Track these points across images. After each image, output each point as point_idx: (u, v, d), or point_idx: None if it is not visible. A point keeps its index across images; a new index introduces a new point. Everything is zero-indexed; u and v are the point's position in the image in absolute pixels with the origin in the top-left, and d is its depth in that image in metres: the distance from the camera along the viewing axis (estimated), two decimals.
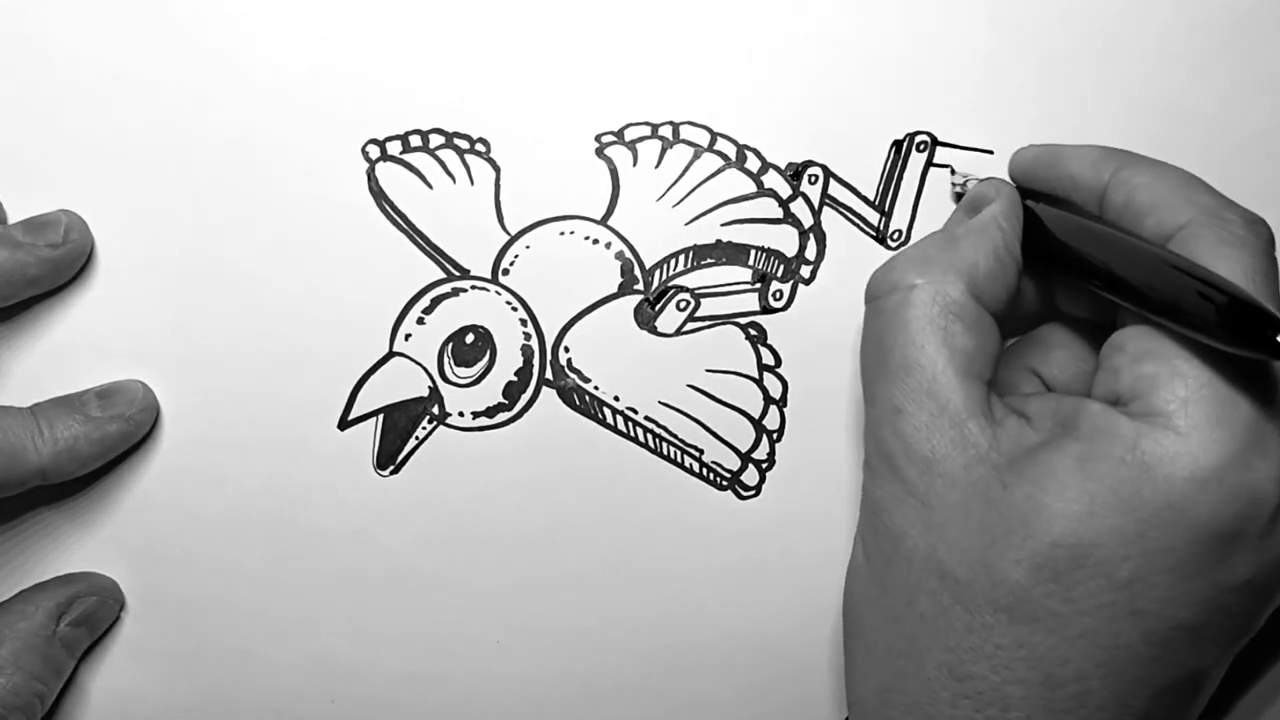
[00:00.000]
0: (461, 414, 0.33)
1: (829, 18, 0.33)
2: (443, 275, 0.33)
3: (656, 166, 0.33)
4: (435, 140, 0.33)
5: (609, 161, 0.33)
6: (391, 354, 0.32)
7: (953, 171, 0.33)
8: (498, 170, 0.33)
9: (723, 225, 0.33)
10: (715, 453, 0.33)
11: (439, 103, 0.33)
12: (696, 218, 0.33)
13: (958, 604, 0.24)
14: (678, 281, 0.33)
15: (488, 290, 0.33)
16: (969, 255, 0.27)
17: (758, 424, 0.33)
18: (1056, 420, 0.26)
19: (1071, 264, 0.28)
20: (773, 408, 0.33)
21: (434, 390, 0.33)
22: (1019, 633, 0.24)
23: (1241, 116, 0.33)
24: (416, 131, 0.33)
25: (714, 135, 0.33)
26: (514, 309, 0.33)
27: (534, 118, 0.33)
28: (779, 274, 0.33)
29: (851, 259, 0.33)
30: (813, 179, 0.33)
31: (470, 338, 0.33)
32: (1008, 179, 0.32)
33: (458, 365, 0.33)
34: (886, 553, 0.26)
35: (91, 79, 0.32)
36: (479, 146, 0.33)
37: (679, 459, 0.33)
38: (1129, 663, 0.23)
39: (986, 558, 0.24)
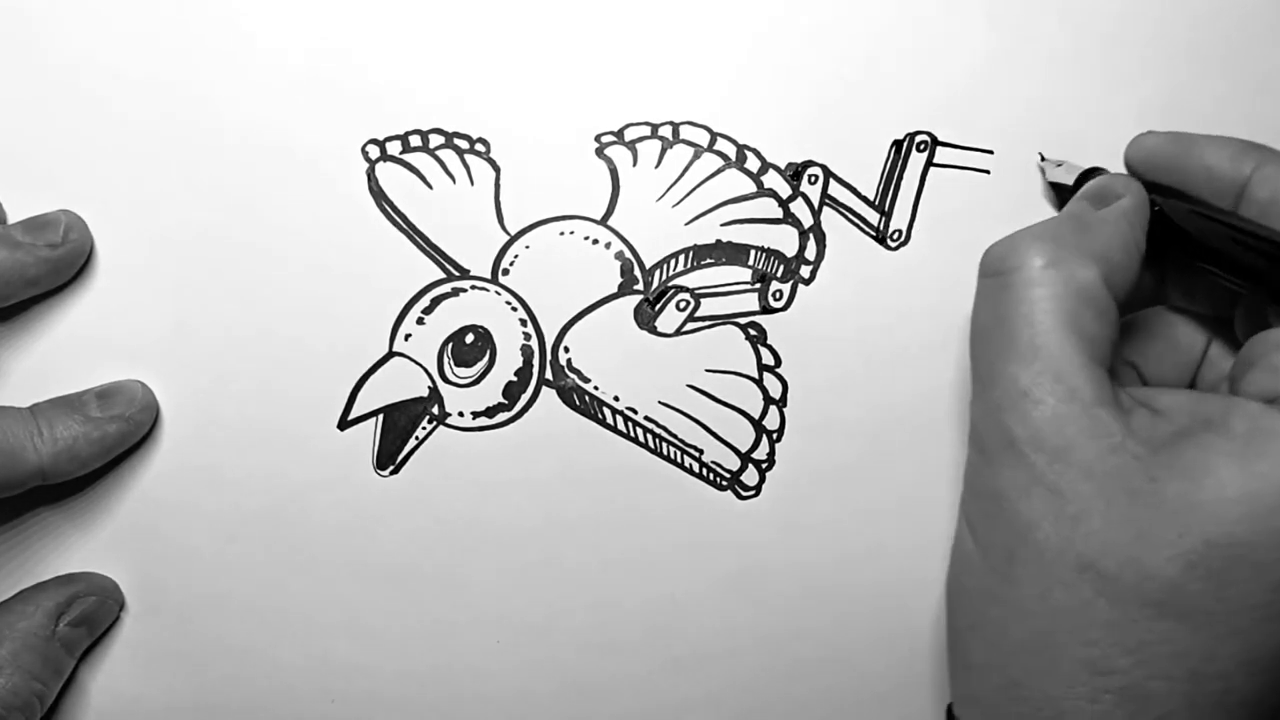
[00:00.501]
0: (461, 414, 0.33)
1: (829, 18, 0.33)
2: (443, 275, 0.33)
3: (656, 166, 0.33)
4: (435, 140, 0.33)
5: (609, 161, 0.33)
6: (391, 354, 0.32)
7: (1042, 157, 0.33)
8: (498, 170, 0.33)
9: (723, 225, 0.33)
10: (715, 453, 0.33)
11: (439, 103, 0.33)
12: (696, 218, 0.33)
13: (1101, 597, 0.24)
14: (678, 281, 0.33)
15: (488, 290, 0.33)
16: (1103, 243, 0.26)
17: (758, 424, 0.33)
18: (1196, 417, 0.25)
19: (1203, 259, 0.27)
20: (773, 408, 0.33)
21: (434, 390, 0.33)
22: (1167, 628, 0.23)
23: (1241, 115, 0.33)
24: (416, 131, 0.33)
25: (714, 135, 0.33)
26: (514, 309, 0.33)
27: (534, 118, 0.33)
28: (779, 274, 0.33)
29: (851, 259, 0.33)
30: (813, 179, 0.33)
31: (470, 338, 0.33)
32: (1123, 169, 0.31)
33: (458, 365, 0.33)
34: (1010, 544, 0.25)
35: (91, 79, 0.32)
36: (479, 146, 0.33)
37: (679, 459, 0.33)
38: (1272, 661, 0.23)
39: (1135, 551, 0.23)
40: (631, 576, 0.33)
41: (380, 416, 0.32)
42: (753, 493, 0.33)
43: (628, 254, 0.33)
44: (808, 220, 0.33)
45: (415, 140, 0.33)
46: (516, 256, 0.33)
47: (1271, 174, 0.27)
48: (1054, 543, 0.24)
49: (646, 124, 0.33)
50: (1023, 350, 0.25)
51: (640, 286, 0.33)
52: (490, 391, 0.33)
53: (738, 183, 0.33)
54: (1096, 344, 0.25)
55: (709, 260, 0.33)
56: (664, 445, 0.33)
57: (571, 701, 0.33)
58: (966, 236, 0.33)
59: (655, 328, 0.33)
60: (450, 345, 0.33)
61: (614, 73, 0.33)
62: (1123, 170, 0.31)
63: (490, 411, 0.33)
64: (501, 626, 0.33)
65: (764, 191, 0.33)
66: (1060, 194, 0.33)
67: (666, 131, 0.33)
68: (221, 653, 0.32)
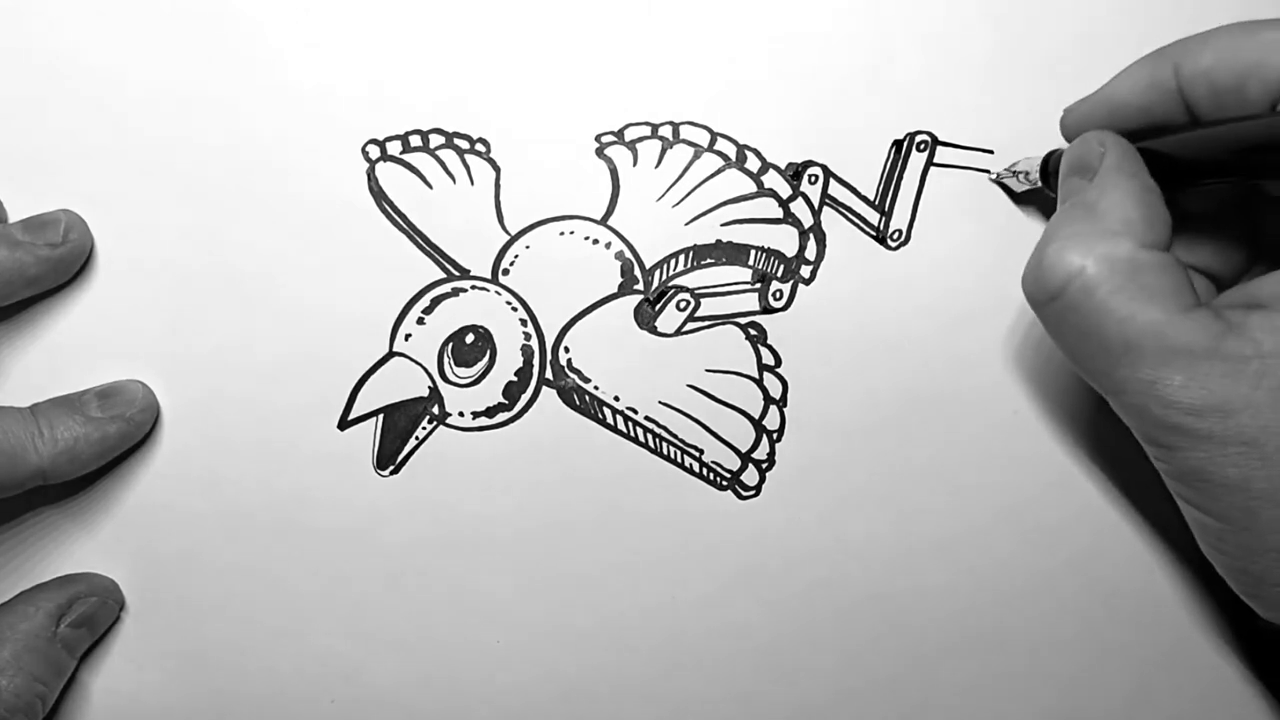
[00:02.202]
0: (461, 414, 0.33)
1: (829, 18, 0.33)
2: (443, 275, 0.33)
3: (656, 166, 0.33)
4: (435, 140, 0.33)
5: (609, 161, 0.33)
6: (391, 354, 0.32)
7: (995, 177, 0.33)
8: (498, 170, 0.33)
9: (723, 225, 0.33)
10: (715, 453, 0.33)
11: (439, 103, 0.33)
12: (696, 218, 0.33)
13: None
14: (678, 281, 0.33)
15: (488, 290, 0.33)
16: (1118, 211, 0.26)
17: (758, 424, 0.33)
18: None
19: (1203, 173, 0.27)
20: (773, 408, 0.33)
21: (434, 390, 0.33)
22: None
23: None
24: (416, 131, 0.33)
25: (714, 135, 0.33)
26: (514, 309, 0.33)
27: (534, 118, 0.33)
28: (779, 274, 0.33)
29: (851, 259, 0.33)
30: (813, 179, 0.33)
31: (470, 338, 0.33)
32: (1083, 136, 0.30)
33: (458, 365, 0.33)
34: (1240, 505, 0.25)
35: (91, 79, 0.32)
36: (479, 146, 0.33)
37: (679, 459, 0.33)
38: None
39: None
40: (631, 576, 0.33)
41: (380, 416, 0.32)
42: (753, 493, 0.33)
43: (628, 254, 0.33)
44: (808, 220, 0.33)
45: (415, 140, 0.33)
46: (517, 256, 0.33)
47: (1192, 69, 0.27)
48: (1277, 481, 0.24)
49: (646, 124, 0.33)
50: (1123, 349, 0.25)
51: (640, 286, 0.33)
52: (490, 391, 0.33)
53: (738, 183, 0.33)
54: (1178, 294, 0.25)
55: (709, 260, 0.33)
56: (664, 445, 0.33)
57: (572, 701, 0.33)
58: (966, 236, 0.33)
59: (655, 328, 0.33)
60: (450, 345, 0.33)
61: (614, 73, 0.33)
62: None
63: (490, 411, 0.33)
64: (502, 627, 0.33)
65: (764, 191, 0.33)
66: (1035, 198, 0.33)
67: (666, 131, 0.33)
68: (221, 653, 0.32)
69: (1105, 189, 0.27)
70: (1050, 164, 0.31)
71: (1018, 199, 0.33)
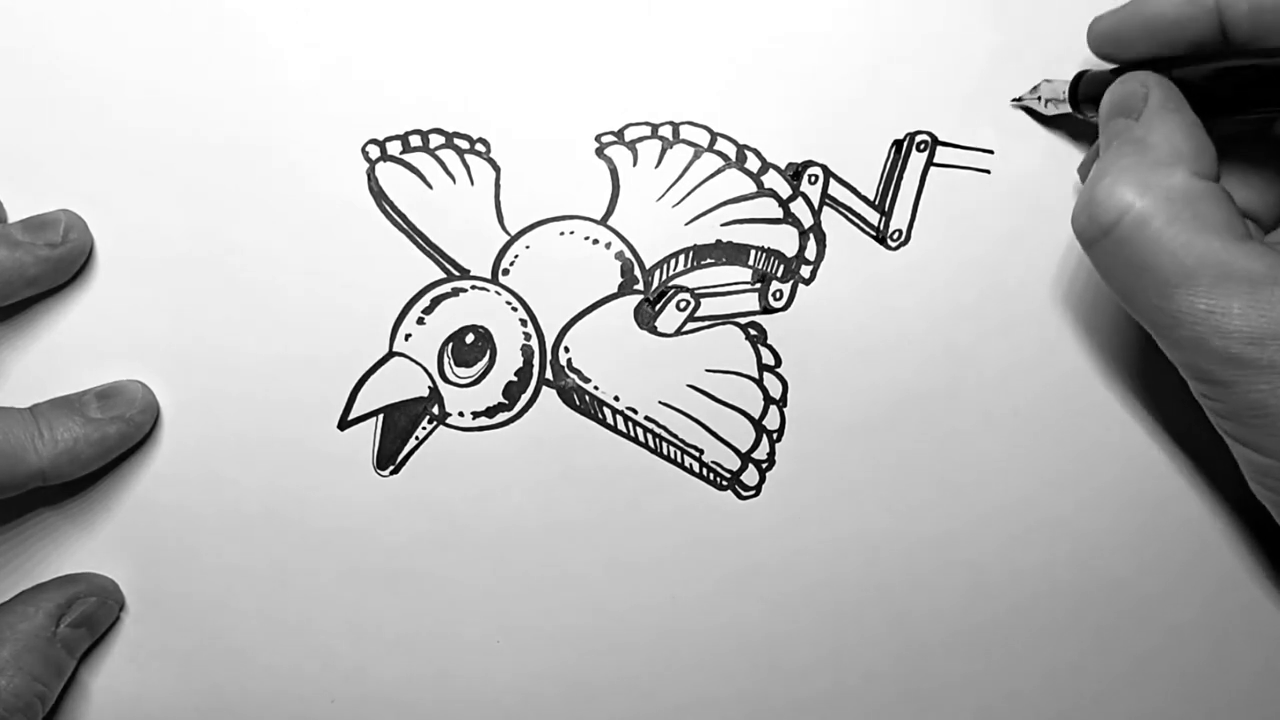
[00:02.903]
0: (461, 414, 0.33)
1: (830, 18, 0.33)
2: (443, 275, 0.33)
3: (656, 166, 0.33)
4: (435, 140, 0.33)
5: (609, 161, 0.33)
6: (391, 354, 0.32)
7: (1018, 100, 0.33)
8: (498, 170, 0.33)
9: (723, 225, 0.33)
10: (715, 453, 0.33)
11: (439, 103, 0.33)
12: (696, 218, 0.33)
13: None
14: (678, 281, 0.33)
15: (488, 290, 0.33)
16: (1168, 144, 0.26)
17: (758, 424, 0.33)
18: None
19: (1238, 107, 0.27)
20: (773, 408, 0.33)
21: (434, 390, 0.33)
22: None
23: None
24: (416, 131, 0.33)
25: (714, 135, 0.33)
26: (514, 309, 0.33)
27: (534, 118, 0.33)
28: (779, 274, 0.33)
29: (851, 259, 0.33)
30: (813, 179, 0.33)
31: (470, 338, 0.33)
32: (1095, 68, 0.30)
33: (458, 365, 0.33)
34: None
35: (91, 79, 0.32)
36: (479, 146, 0.33)
37: (679, 459, 0.33)
38: None
39: None
40: (631, 576, 0.33)
41: (380, 416, 0.32)
42: (753, 493, 0.33)
43: (628, 254, 0.33)
44: (808, 220, 0.33)
45: (415, 140, 0.33)
46: (517, 256, 0.33)
47: None
48: None
49: (646, 124, 0.33)
50: (1180, 279, 0.25)
51: (640, 286, 0.33)
52: (490, 391, 0.33)
53: (738, 183, 0.33)
54: (1232, 225, 0.25)
55: (709, 260, 0.33)
56: (664, 445, 0.33)
57: (572, 702, 0.33)
58: (966, 236, 0.33)
59: (655, 328, 0.33)
60: (450, 345, 0.33)
61: (614, 73, 0.33)
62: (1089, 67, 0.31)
63: (490, 411, 0.33)
64: (502, 627, 0.33)
65: (764, 191, 0.33)
66: (1064, 123, 0.33)
67: (666, 131, 0.33)
68: (221, 653, 0.32)
69: (1153, 124, 0.27)
70: (1080, 87, 0.30)
71: (1046, 121, 0.33)
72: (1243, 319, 0.24)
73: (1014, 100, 0.33)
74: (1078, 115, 0.31)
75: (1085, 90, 0.30)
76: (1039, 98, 0.32)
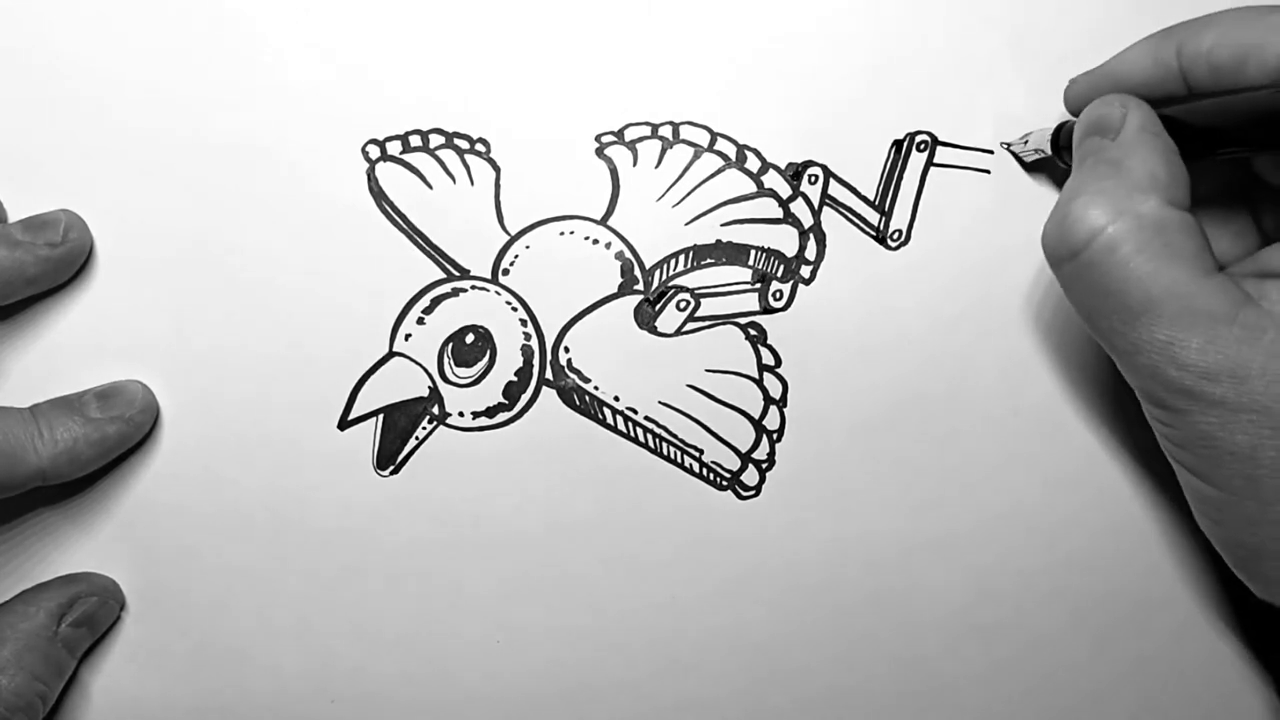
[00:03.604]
0: (461, 414, 0.33)
1: (830, 18, 0.33)
2: (443, 275, 0.33)
3: (656, 166, 0.33)
4: (435, 140, 0.33)
5: (609, 161, 0.33)
6: (391, 354, 0.32)
7: (1006, 146, 0.33)
8: (498, 170, 0.33)
9: (723, 225, 0.33)
10: (715, 453, 0.33)
11: (439, 103, 0.33)
12: (696, 218, 0.33)
13: None
14: (678, 281, 0.33)
15: (488, 290, 0.33)
16: (1144, 169, 0.26)
17: (758, 424, 0.33)
18: None
19: (1213, 142, 0.27)
20: (773, 408, 0.33)
21: (434, 390, 0.33)
22: None
23: None
24: (416, 131, 0.33)
25: (714, 135, 0.33)
26: (514, 309, 0.33)
27: (534, 118, 0.33)
28: (779, 274, 0.33)
29: (851, 259, 0.33)
30: (813, 179, 0.33)
31: (470, 338, 0.33)
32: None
33: (458, 365, 0.33)
34: (1246, 474, 0.25)
35: (91, 79, 0.32)
36: (479, 146, 0.33)
37: (679, 459, 0.33)
38: None
39: None
40: (632, 576, 0.33)
41: (380, 416, 0.32)
42: (753, 493, 0.33)
43: (628, 254, 0.33)
44: (808, 220, 0.33)
45: (415, 140, 0.33)
46: (516, 256, 0.33)
47: (1194, 50, 0.27)
48: None
49: (646, 124, 0.33)
50: (1142, 309, 0.25)
51: (640, 286, 0.33)
52: (490, 391, 0.33)
53: (738, 183, 0.33)
54: (1200, 257, 0.25)
55: (709, 260, 0.33)
56: (664, 445, 0.33)
57: (572, 702, 0.33)
58: (966, 236, 0.33)
59: (655, 328, 0.33)
60: (450, 345, 0.33)
61: (614, 73, 0.33)
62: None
63: (490, 411, 0.33)
64: (502, 627, 0.33)
65: (764, 191, 0.33)
66: (1046, 167, 0.33)
67: (666, 131, 0.33)
68: (221, 653, 0.32)
69: (1131, 146, 0.27)
70: (1061, 135, 0.31)
71: (1028, 167, 0.33)
72: (1199, 354, 0.25)
73: (1003, 144, 0.33)
74: (1058, 162, 0.32)
75: (1066, 139, 0.31)
76: (1025, 142, 0.32)
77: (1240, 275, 0.27)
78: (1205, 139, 0.27)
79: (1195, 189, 0.27)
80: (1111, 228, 0.25)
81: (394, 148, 0.33)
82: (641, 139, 0.33)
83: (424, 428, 0.33)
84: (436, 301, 0.33)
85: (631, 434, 0.33)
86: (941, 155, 0.33)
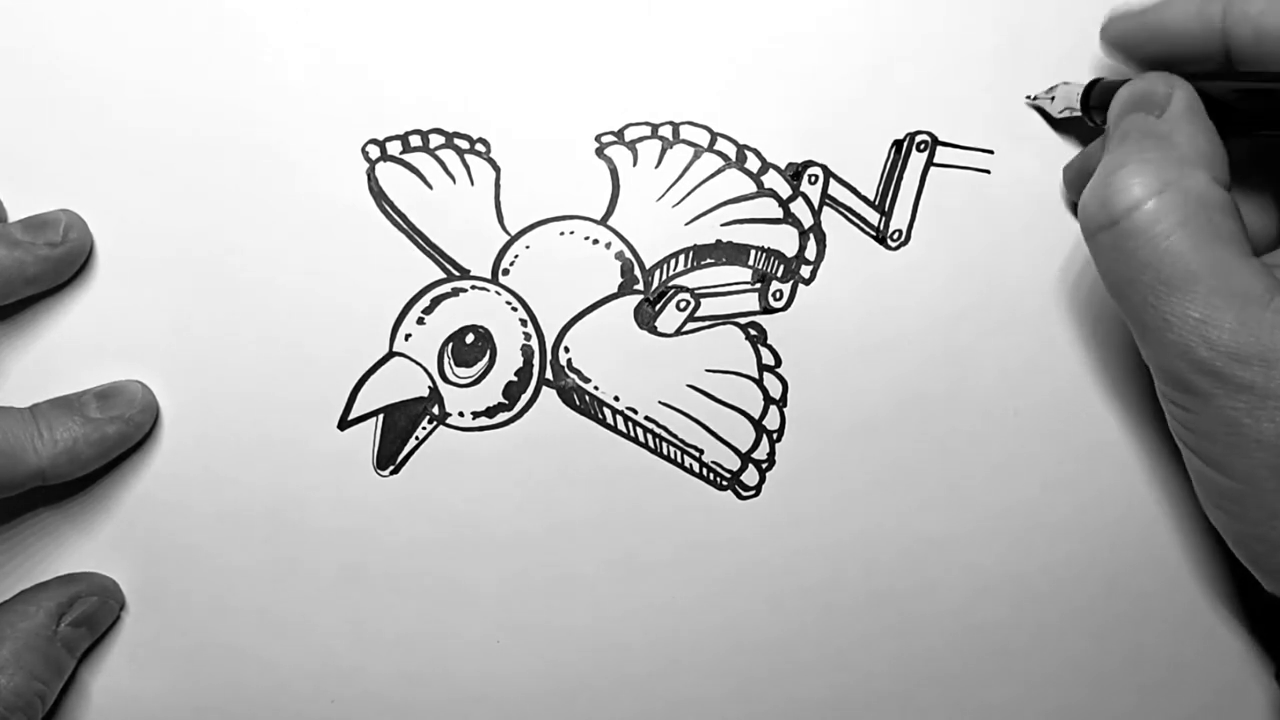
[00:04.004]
0: (461, 414, 0.33)
1: (830, 18, 0.33)
2: (443, 275, 0.33)
3: (656, 166, 0.33)
4: (435, 140, 0.33)
5: (609, 161, 0.33)
6: (391, 354, 0.32)
7: (1031, 98, 0.33)
8: (498, 170, 0.33)
9: (723, 225, 0.33)
10: (715, 453, 0.33)
11: (439, 103, 0.33)
12: (696, 218, 0.33)
13: None
14: (678, 281, 0.33)
15: (488, 290, 0.33)
16: (1191, 145, 0.26)
17: (758, 424, 0.33)
18: None
19: (1249, 125, 0.27)
20: (773, 408, 0.33)
21: (434, 390, 0.33)
22: None
23: None
24: (416, 131, 0.33)
25: (714, 135, 0.33)
26: (514, 309, 0.33)
27: (534, 118, 0.33)
28: (779, 274, 0.33)
29: (851, 259, 0.33)
30: (813, 179, 0.33)
31: (470, 338, 0.33)
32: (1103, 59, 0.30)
33: (458, 365, 0.33)
34: (1271, 463, 0.24)
35: (91, 79, 0.32)
36: (479, 146, 0.33)
37: (679, 459, 0.33)
38: None
39: None
40: (631, 577, 0.33)
41: (380, 417, 0.32)
42: (753, 493, 0.33)
43: (628, 254, 0.33)
44: (808, 220, 0.33)
45: (415, 140, 0.33)
46: (516, 256, 0.33)
47: (1242, 11, 0.27)
48: None
49: (646, 124, 0.33)
50: (1180, 283, 0.25)
51: (640, 286, 0.33)
52: (490, 391, 0.33)
53: (738, 183, 0.33)
54: (1238, 239, 0.25)
55: (709, 260, 0.33)
56: (664, 445, 0.33)
57: (572, 702, 0.33)
58: (966, 236, 0.33)
59: (655, 328, 0.33)
60: (450, 345, 0.33)
61: (614, 73, 0.33)
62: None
63: (490, 411, 0.33)
64: (502, 627, 0.33)
65: (764, 191, 0.33)
66: (1072, 126, 0.33)
67: (666, 131, 0.33)
68: (221, 653, 0.32)
69: (1179, 123, 0.26)
70: (1092, 94, 0.30)
71: (1055, 124, 0.33)
72: (1232, 334, 0.24)
73: (1027, 98, 0.33)
74: (1087, 121, 0.31)
75: (1098, 98, 0.30)
76: (1052, 98, 0.32)
77: (1272, 264, 0.27)
78: (1244, 120, 0.27)
79: (1232, 168, 0.27)
80: (1156, 199, 0.25)
81: (394, 148, 0.33)
82: (641, 139, 0.33)
83: (424, 428, 0.33)
84: (436, 301, 0.33)
85: (631, 434, 0.33)
86: (941, 155, 0.33)
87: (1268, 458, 0.25)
